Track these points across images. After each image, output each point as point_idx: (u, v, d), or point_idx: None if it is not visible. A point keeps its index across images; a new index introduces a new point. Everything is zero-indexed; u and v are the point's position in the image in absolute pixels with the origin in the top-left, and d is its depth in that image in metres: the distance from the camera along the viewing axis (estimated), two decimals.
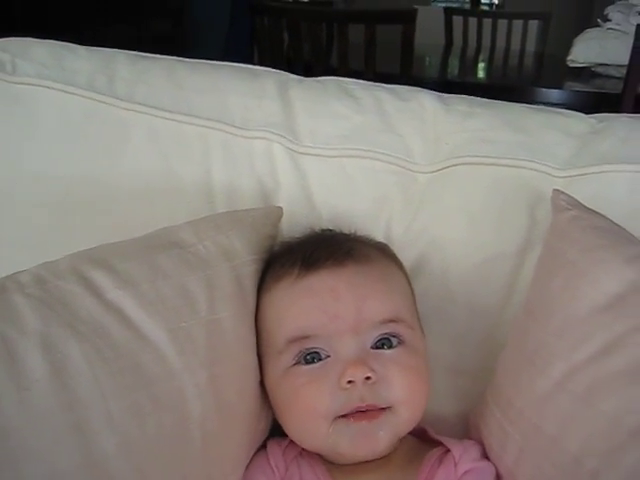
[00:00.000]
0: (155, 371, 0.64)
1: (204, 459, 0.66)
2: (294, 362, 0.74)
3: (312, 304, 0.74)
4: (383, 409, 0.72)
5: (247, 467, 0.76)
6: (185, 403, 0.65)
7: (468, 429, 0.84)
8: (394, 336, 0.74)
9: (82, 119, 0.92)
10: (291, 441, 0.80)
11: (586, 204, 0.75)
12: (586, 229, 0.71)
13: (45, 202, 0.91)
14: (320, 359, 0.73)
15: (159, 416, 0.63)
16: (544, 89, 1.85)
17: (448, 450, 0.77)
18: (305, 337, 0.73)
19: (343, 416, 0.71)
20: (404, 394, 0.72)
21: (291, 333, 0.74)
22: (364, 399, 0.70)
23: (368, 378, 0.70)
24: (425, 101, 0.94)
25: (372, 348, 0.73)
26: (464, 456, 0.76)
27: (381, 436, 0.72)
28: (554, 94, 1.82)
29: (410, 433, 0.81)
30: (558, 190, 0.78)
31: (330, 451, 0.74)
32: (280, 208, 0.87)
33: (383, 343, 0.74)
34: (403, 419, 0.73)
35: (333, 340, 0.73)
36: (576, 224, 0.72)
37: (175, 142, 0.92)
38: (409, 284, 0.84)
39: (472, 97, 0.97)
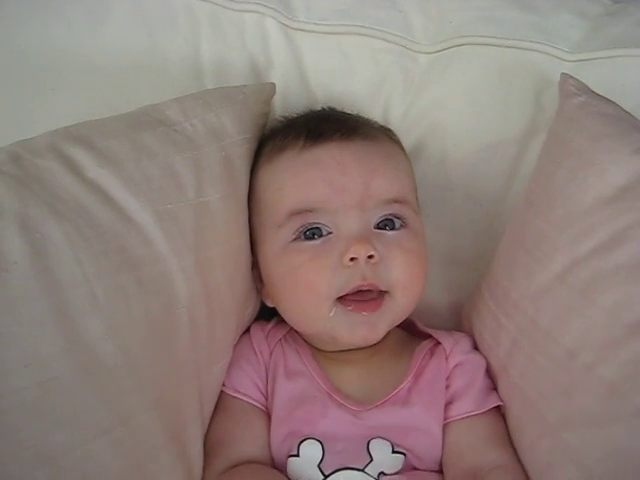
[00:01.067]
0: (140, 253, 0.61)
1: (192, 345, 0.65)
2: (294, 237, 0.71)
3: (318, 176, 0.71)
4: (382, 294, 0.70)
5: None
6: (172, 287, 0.63)
7: (460, 321, 0.83)
8: (398, 218, 0.72)
9: None
10: (275, 325, 0.79)
11: (596, 90, 0.71)
12: (595, 116, 0.67)
13: (22, 77, 0.85)
14: (321, 235, 0.71)
15: (145, 299, 0.61)
16: None
17: (438, 342, 0.77)
18: (308, 210, 0.71)
19: (344, 301, 0.69)
20: (404, 277, 0.71)
21: (294, 205, 0.71)
22: (366, 277, 0.69)
23: (371, 257, 0.68)
24: None
25: (375, 228, 0.71)
26: (455, 348, 0.76)
27: (380, 326, 0.71)
28: None
29: (397, 325, 0.80)
30: (567, 74, 0.74)
31: (327, 335, 0.72)
32: (273, 84, 0.83)
33: (386, 224, 0.72)
34: (401, 305, 0.72)
35: (337, 215, 0.70)
36: (584, 111, 0.68)
37: (160, 14, 0.86)
38: (412, 169, 0.81)
39: None
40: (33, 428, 0.52)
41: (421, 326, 0.81)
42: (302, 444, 0.69)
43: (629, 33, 0.82)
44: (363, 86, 0.86)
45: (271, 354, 0.76)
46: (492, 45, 0.83)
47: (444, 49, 0.84)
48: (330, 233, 0.71)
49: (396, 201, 0.72)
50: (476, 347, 0.78)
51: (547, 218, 0.67)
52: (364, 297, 0.70)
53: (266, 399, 0.73)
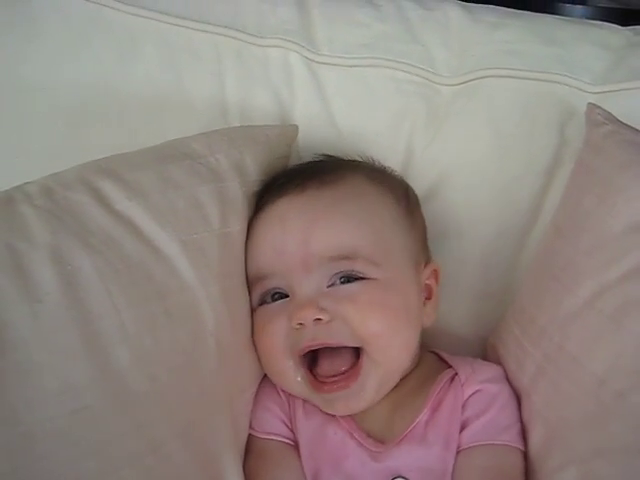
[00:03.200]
0: (168, 283, 0.62)
1: (220, 372, 0.65)
2: (259, 302, 0.72)
3: (264, 239, 0.72)
4: (359, 358, 0.69)
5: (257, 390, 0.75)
6: (199, 315, 0.64)
7: (485, 350, 0.82)
8: (350, 276, 0.69)
9: (85, 25, 0.87)
10: None
11: None
12: (622, 144, 0.68)
13: (53, 113, 0.87)
14: (283, 296, 0.71)
15: (173, 328, 0.61)
16: (567, 4, 1.75)
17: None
18: (262, 278, 0.71)
19: (316, 383, 0.69)
20: (366, 330, 0.68)
21: (252, 272, 0.72)
22: (315, 338, 0.67)
23: (319, 319, 0.67)
24: (450, 11, 0.88)
25: (328, 286, 0.69)
26: (471, 378, 0.72)
27: (363, 394, 0.69)
28: (577, 10, 1.72)
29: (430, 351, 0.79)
30: (593, 104, 0.74)
31: (310, 400, 0.72)
32: (296, 127, 0.84)
33: (341, 279, 0.69)
34: (378, 361, 0.69)
35: (286, 278, 0.70)
36: (612, 139, 0.69)
37: (186, 51, 0.88)
38: (399, 214, 0.76)
39: (500, 7, 0.91)
40: (64, 456, 0.52)
41: (444, 356, 0.78)
42: None
43: None
44: (386, 119, 0.86)
45: (290, 393, 0.75)
46: (515, 77, 0.84)
47: (467, 81, 0.85)
48: (287, 296, 0.71)
49: (344, 258, 0.69)
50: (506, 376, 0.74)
51: (575, 244, 0.67)
52: (337, 361, 0.69)
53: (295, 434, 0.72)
